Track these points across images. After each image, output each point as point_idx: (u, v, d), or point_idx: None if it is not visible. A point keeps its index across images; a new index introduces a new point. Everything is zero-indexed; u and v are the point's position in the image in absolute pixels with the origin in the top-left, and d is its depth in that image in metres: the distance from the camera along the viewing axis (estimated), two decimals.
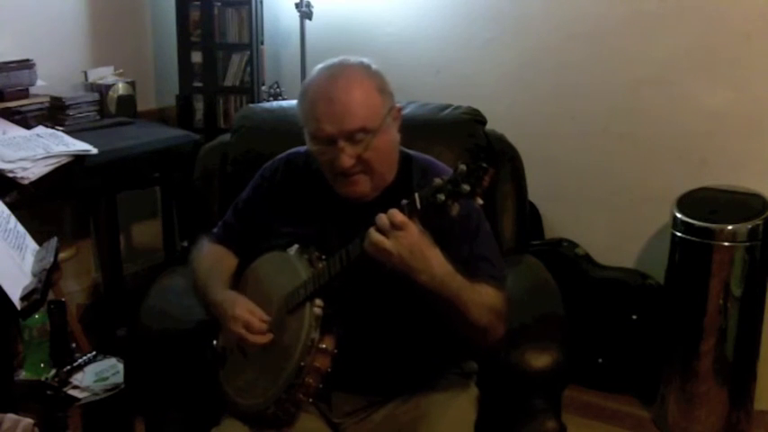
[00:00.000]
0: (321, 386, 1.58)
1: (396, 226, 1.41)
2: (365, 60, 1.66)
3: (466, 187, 1.34)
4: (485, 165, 1.35)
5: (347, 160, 1.58)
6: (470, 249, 1.63)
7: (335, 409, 1.68)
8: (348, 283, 1.55)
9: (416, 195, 1.40)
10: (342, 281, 1.54)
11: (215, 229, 1.88)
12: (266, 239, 1.75)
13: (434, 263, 1.47)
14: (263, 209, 1.79)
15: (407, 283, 1.49)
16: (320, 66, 1.67)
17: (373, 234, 1.43)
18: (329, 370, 1.56)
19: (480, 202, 1.38)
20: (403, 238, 1.42)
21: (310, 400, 1.61)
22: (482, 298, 1.55)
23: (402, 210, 1.42)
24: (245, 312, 1.62)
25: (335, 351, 1.56)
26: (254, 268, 1.76)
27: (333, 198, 1.68)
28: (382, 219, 1.42)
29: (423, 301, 1.54)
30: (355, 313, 1.58)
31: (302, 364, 1.54)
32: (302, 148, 1.81)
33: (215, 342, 1.78)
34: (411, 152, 1.74)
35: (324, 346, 1.55)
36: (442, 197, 1.36)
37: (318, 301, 1.55)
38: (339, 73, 1.63)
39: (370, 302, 1.60)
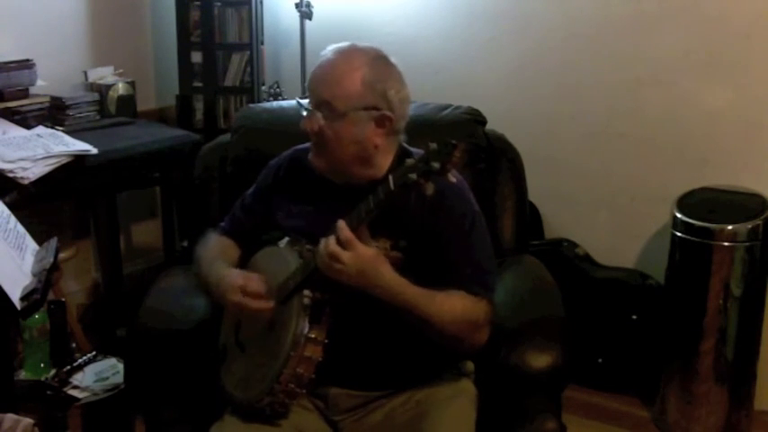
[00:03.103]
0: (314, 376, 1.58)
1: (341, 243, 1.47)
2: (381, 53, 1.68)
3: (435, 165, 1.37)
4: (454, 141, 1.37)
5: (307, 123, 1.65)
6: (460, 251, 1.64)
7: (333, 407, 1.69)
8: None
9: (390, 177, 1.43)
10: None
11: (222, 223, 1.92)
12: (270, 233, 1.77)
13: (385, 278, 1.52)
14: (268, 203, 1.82)
15: (399, 272, 1.54)
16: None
17: (323, 258, 1.49)
18: (321, 359, 1.57)
19: (452, 179, 1.41)
20: (352, 257, 1.48)
21: (303, 391, 1.61)
22: (443, 309, 1.57)
23: (380, 191, 1.44)
24: (240, 279, 1.64)
25: (326, 340, 1.57)
26: (250, 265, 1.78)
27: (334, 193, 1.70)
28: (329, 243, 1.49)
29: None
30: (345, 303, 1.59)
31: (292, 353, 1.55)
32: (307, 144, 1.82)
33: (218, 340, 1.78)
34: (412, 149, 1.74)
35: (313, 335, 1.56)
36: (413, 176, 1.39)
37: (306, 291, 1.57)
38: (343, 50, 1.67)
39: (360, 292, 1.61)
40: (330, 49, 1.68)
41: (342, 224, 1.48)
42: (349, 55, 1.64)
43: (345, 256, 1.48)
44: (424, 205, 1.54)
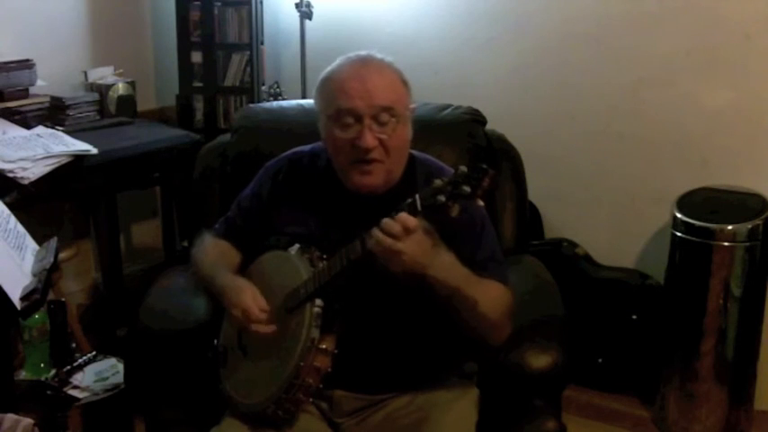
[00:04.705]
0: (321, 386, 1.58)
1: (409, 230, 1.42)
2: (387, 57, 1.69)
3: (466, 189, 1.35)
4: (485, 166, 1.35)
5: (371, 139, 1.57)
6: (475, 250, 1.64)
7: (336, 409, 1.69)
8: (348, 283, 1.55)
9: (417, 196, 1.41)
10: (342, 280, 1.55)
11: (216, 225, 1.89)
12: (268, 237, 1.76)
13: (442, 256, 1.49)
14: (266, 207, 1.79)
15: (409, 283, 1.50)
16: (343, 57, 1.68)
17: (383, 238, 1.43)
18: (329, 370, 1.56)
19: (481, 203, 1.39)
20: (413, 238, 1.43)
21: (311, 399, 1.61)
22: (491, 292, 1.57)
23: (405, 209, 1.42)
24: (249, 299, 1.63)
25: (335, 351, 1.56)
26: (254, 267, 1.77)
27: (337, 196, 1.68)
28: (392, 225, 1.42)
29: (426, 299, 1.55)
30: (356, 312, 1.58)
31: (302, 363, 1.54)
32: (306, 147, 1.81)
33: (216, 341, 1.78)
34: (414, 152, 1.74)
35: (324, 346, 1.55)
36: (442, 198, 1.37)
37: (318, 301, 1.56)
38: (369, 59, 1.66)
39: (371, 302, 1.61)
40: (351, 62, 1.65)
41: (405, 215, 1.42)
42: (380, 60, 1.66)
43: (409, 236, 1.42)
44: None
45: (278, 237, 1.74)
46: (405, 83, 1.66)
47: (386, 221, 1.43)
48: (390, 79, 1.63)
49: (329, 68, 1.68)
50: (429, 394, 1.67)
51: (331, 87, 1.64)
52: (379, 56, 1.67)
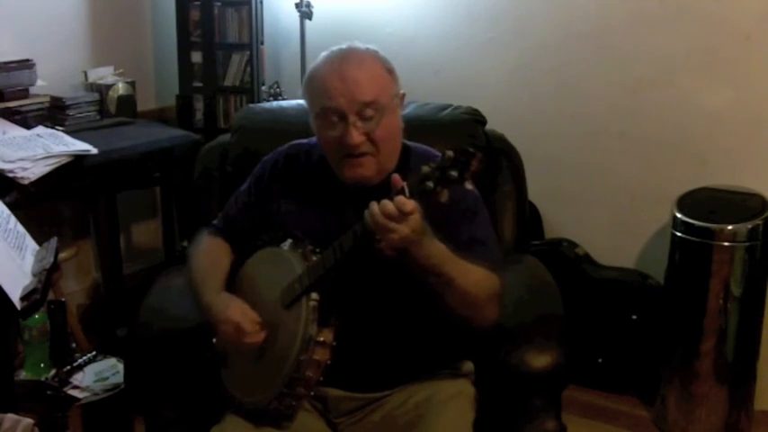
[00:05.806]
0: (321, 378, 1.58)
1: (407, 213, 1.41)
2: (371, 46, 1.68)
3: (453, 173, 1.34)
4: (472, 150, 1.34)
5: (357, 136, 1.57)
6: (467, 232, 1.63)
7: (332, 409, 1.69)
8: (343, 275, 1.56)
9: (405, 184, 1.41)
10: (337, 273, 1.55)
11: (215, 221, 1.89)
12: (267, 231, 1.76)
13: (427, 235, 1.48)
14: (264, 200, 1.79)
15: (402, 272, 1.51)
16: (326, 52, 1.67)
17: (384, 221, 1.41)
18: (329, 362, 1.57)
19: (470, 187, 1.38)
20: (410, 220, 1.42)
21: (312, 393, 1.61)
22: (474, 274, 1.55)
23: (402, 193, 1.41)
24: (238, 314, 1.62)
25: (334, 343, 1.56)
26: (248, 266, 1.76)
27: (335, 188, 1.68)
28: (390, 207, 1.41)
29: (416, 285, 1.54)
30: (351, 304, 1.58)
31: (302, 357, 1.54)
32: (303, 141, 1.81)
33: (214, 340, 1.78)
34: (409, 142, 1.75)
35: (322, 338, 1.55)
36: (430, 185, 1.37)
37: (314, 295, 1.56)
38: (349, 54, 1.64)
39: (366, 293, 1.61)
40: (332, 57, 1.64)
41: (403, 199, 1.42)
42: (359, 55, 1.64)
43: (408, 216, 1.42)
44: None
45: (271, 233, 1.74)
46: (389, 71, 1.65)
47: (385, 203, 1.42)
48: (371, 72, 1.62)
49: (312, 66, 1.68)
50: (425, 393, 1.67)
51: (314, 86, 1.65)
52: (361, 47, 1.66)
